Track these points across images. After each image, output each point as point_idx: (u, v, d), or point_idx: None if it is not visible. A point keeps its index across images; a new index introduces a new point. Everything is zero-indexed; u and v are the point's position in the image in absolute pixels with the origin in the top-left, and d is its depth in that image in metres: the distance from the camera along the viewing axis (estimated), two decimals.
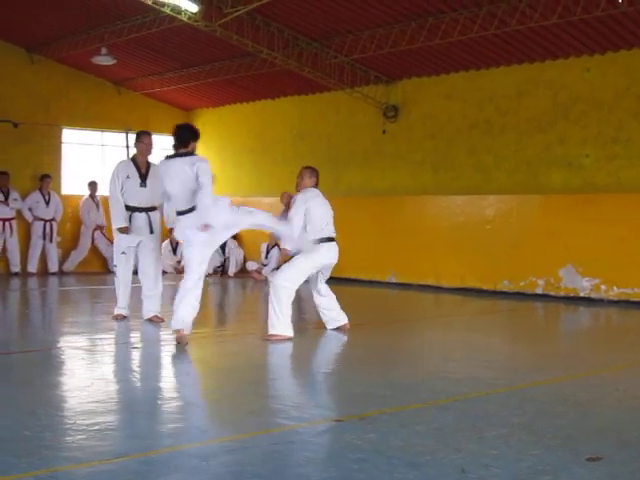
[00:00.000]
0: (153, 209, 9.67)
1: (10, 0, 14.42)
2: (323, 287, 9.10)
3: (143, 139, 9.73)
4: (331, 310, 9.14)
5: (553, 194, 13.10)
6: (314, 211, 8.79)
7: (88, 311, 11.59)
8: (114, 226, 9.59)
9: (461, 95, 14.41)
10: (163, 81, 17.65)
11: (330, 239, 8.87)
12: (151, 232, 9.64)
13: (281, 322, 8.41)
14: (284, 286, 8.48)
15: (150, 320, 9.66)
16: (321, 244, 8.72)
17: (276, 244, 16.32)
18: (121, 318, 9.71)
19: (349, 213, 15.95)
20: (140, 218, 9.57)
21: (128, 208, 9.53)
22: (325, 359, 7.99)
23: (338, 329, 9.05)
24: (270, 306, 8.48)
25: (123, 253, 9.65)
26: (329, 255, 8.85)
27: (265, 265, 16.12)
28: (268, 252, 16.24)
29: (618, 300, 12.12)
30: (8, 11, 14.90)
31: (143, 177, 9.59)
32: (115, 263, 9.81)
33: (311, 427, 4.99)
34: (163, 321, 9.74)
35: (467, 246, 13.99)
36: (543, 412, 5.43)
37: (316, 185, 9.12)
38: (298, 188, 9.05)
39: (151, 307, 9.75)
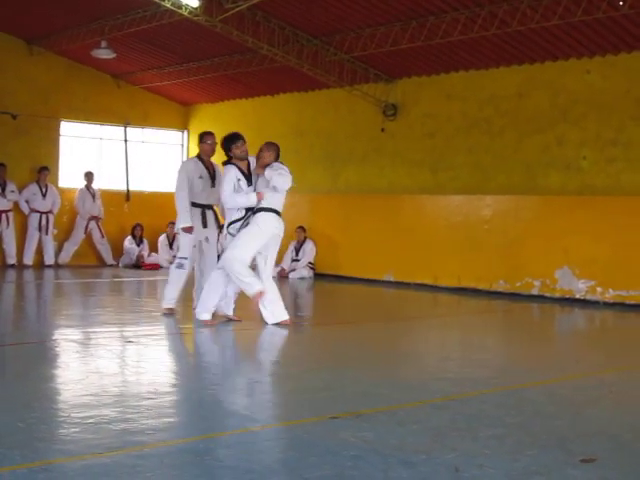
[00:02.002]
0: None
1: None
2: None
3: (207, 139, 9.79)
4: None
5: (551, 195, 13.10)
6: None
7: (83, 304, 11.57)
8: (181, 225, 9.64)
9: (461, 95, 14.39)
10: (162, 75, 17.62)
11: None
12: (219, 227, 9.90)
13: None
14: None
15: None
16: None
17: None
18: (172, 312, 9.69)
19: (347, 211, 15.98)
20: (211, 215, 9.76)
21: (199, 205, 9.66)
22: (321, 356, 7.97)
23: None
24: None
25: (194, 246, 9.70)
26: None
27: None
28: None
29: (613, 302, 12.12)
30: (8, 2, 14.85)
31: (213, 177, 9.73)
32: (185, 255, 9.70)
33: (306, 424, 4.99)
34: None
35: (464, 246, 13.99)
36: (538, 413, 5.43)
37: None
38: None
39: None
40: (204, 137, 9.79)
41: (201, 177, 9.63)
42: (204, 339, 8.52)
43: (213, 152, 9.80)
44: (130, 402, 5.38)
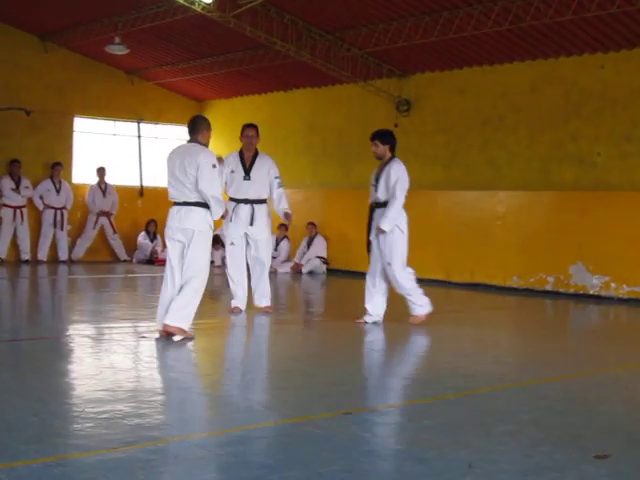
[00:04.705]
0: None
1: None
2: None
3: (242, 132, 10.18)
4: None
5: (565, 191, 13.05)
6: None
7: (97, 300, 11.61)
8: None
9: (474, 90, 14.36)
10: (176, 71, 17.64)
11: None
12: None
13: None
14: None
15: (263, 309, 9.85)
16: None
17: (285, 236, 16.38)
18: (238, 312, 9.62)
19: (360, 206, 15.91)
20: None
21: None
22: (333, 352, 7.98)
23: None
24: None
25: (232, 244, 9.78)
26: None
27: (274, 257, 16.13)
28: (278, 244, 16.25)
29: (628, 298, 12.08)
30: None
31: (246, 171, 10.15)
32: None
33: (319, 419, 4.99)
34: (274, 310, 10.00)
35: (477, 242, 13.96)
36: (552, 409, 5.42)
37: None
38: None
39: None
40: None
41: (233, 172, 9.86)
42: (217, 335, 8.54)
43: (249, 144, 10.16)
44: (144, 397, 5.40)
